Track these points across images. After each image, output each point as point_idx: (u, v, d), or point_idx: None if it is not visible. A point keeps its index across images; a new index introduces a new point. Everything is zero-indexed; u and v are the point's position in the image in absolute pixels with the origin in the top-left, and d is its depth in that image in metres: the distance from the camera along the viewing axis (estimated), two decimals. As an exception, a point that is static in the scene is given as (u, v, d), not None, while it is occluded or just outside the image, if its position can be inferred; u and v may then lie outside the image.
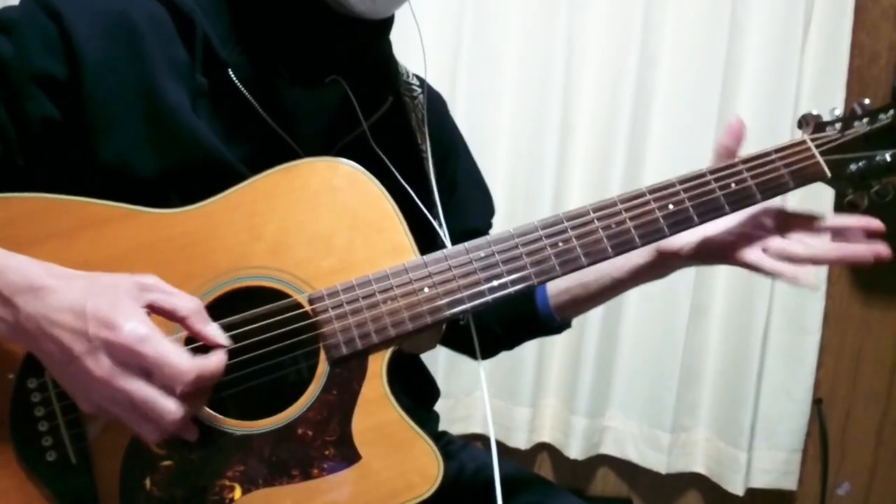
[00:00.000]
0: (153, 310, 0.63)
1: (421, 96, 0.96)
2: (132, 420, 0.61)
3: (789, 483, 1.77)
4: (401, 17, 0.88)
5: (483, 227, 1.02)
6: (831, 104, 1.61)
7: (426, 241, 0.80)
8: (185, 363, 0.60)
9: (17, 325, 0.61)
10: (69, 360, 0.60)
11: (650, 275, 0.92)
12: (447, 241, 0.85)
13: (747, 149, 0.86)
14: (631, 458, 1.79)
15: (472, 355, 0.99)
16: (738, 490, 1.73)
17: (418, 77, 0.99)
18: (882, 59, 1.70)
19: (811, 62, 1.65)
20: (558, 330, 1.00)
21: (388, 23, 0.86)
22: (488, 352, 1.07)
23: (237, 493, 0.70)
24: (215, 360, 0.63)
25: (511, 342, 1.05)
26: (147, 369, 0.59)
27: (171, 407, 0.60)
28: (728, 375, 1.73)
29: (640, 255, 0.90)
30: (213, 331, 0.65)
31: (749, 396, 1.71)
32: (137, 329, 0.59)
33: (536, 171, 1.70)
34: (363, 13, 0.78)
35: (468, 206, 1.01)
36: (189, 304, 0.64)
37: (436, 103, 0.99)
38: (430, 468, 0.71)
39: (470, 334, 0.83)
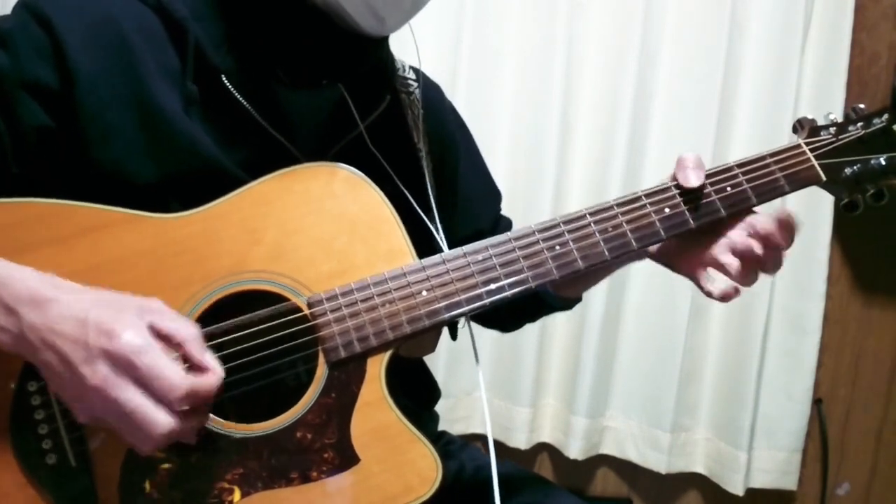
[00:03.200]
0: (153, 331, 0.63)
1: (417, 91, 0.95)
2: (125, 430, 0.61)
3: (789, 483, 1.76)
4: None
5: (489, 228, 1.02)
6: (831, 104, 1.63)
7: (424, 242, 0.80)
8: (177, 377, 0.60)
9: (20, 335, 0.61)
10: (67, 368, 0.60)
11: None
12: (443, 245, 0.85)
13: (745, 150, 0.86)
14: (631, 458, 1.79)
15: (495, 328, 1.10)
16: (737, 490, 1.73)
17: (414, 69, 0.97)
18: (882, 59, 1.70)
19: (811, 62, 1.64)
20: (567, 306, 1.01)
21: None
22: (513, 324, 1.10)
23: (236, 495, 0.70)
24: (210, 380, 0.63)
25: (523, 320, 1.08)
26: (140, 380, 0.59)
27: (161, 419, 0.59)
28: (728, 375, 1.73)
29: None
30: (209, 360, 0.64)
31: (749, 396, 1.70)
32: (134, 340, 0.59)
33: (536, 171, 1.70)
34: (369, 32, 0.78)
35: (473, 207, 1.01)
36: (188, 331, 0.64)
37: (432, 95, 0.98)
38: (428, 471, 0.71)
39: (489, 311, 0.80)
